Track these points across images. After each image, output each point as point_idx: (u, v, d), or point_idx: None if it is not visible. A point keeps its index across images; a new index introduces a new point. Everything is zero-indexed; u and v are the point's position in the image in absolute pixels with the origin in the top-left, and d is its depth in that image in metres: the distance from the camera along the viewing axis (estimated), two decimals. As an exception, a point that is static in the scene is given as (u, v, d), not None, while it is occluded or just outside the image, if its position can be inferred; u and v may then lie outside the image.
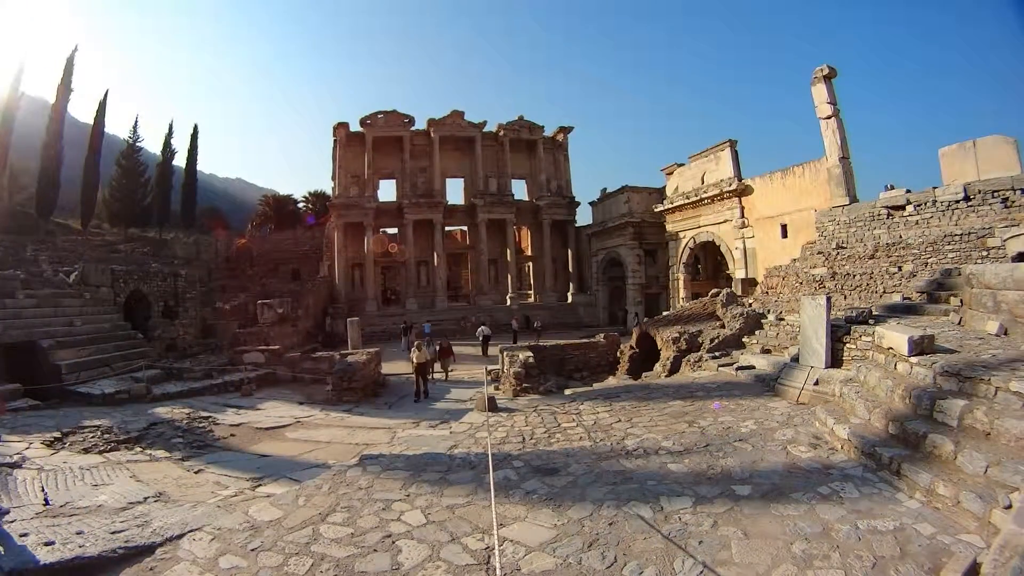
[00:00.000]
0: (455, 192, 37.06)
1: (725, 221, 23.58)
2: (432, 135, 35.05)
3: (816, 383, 7.37)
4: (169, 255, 31.69)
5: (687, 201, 25.64)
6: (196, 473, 6.37)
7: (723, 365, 10.46)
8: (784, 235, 20.40)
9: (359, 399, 11.87)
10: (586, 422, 6.90)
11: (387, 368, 15.97)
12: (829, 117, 17.65)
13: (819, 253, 15.46)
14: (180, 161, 40.09)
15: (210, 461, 7.01)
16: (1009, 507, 3.20)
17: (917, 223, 13.59)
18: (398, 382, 15.39)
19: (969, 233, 11.59)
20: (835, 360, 7.76)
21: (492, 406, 7.83)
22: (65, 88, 31.73)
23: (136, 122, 38.54)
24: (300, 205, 53.05)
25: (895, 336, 5.71)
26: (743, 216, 22.57)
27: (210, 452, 7.54)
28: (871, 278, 12.82)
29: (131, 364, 13.46)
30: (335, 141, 34.90)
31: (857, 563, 3.15)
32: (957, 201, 12.70)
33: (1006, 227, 10.72)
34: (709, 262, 28.25)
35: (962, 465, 3.81)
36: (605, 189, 34.34)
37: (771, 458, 5.05)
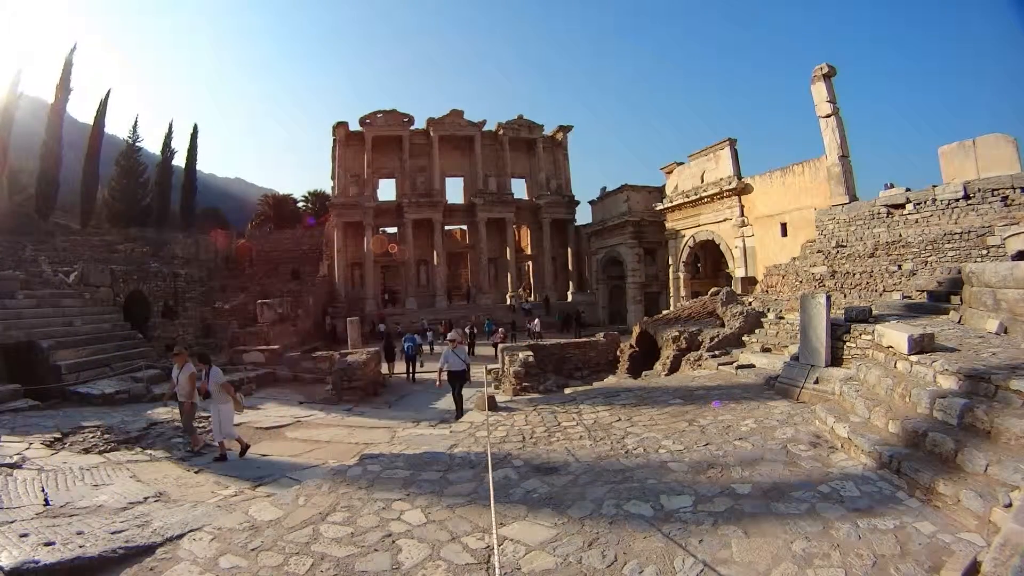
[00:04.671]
0: (454, 191, 37.15)
1: (725, 220, 23.58)
2: (431, 134, 35.04)
3: (816, 382, 7.37)
4: (169, 255, 31.61)
5: (687, 200, 25.64)
6: (196, 473, 6.36)
7: (723, 364, 10.47)
8: (784, 234, 20.41)
9: (359, 398, 11.88)
10: (586, 421, 6.89)
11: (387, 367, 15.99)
12: (829, 116, 17.66)
13: (819, 252, 15.47)
14: (180, 161, 40.01)
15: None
16: (1009, 505, 3.20)
17: (917, 222, 13.59)
18: (398, 382, 15.43)
19: (969, 231, 11.60)
20: (835, 358, 7.75)
21: (492, 405, 7.82)
22: (64, 88, 31.62)
23: (136, 122, 38.45)
24: (300, 205, 53.12)
25: (895, 334, 5.70)
26: (743, 215, 22.57)
27: (210, 452, 7.53)
28: (871, 276, 12.83)
29: (131, 364, 13.43)
30: (334, 140, 34.91)
31: (857, 562, 3.15)
32: (957, 200, 12.70)
33: (1006, 225, 10.74)
34: (709, 261, 28.25)
35: (962, 463, 3.80)
36: (605, 188, 34.38)
37: (771, 456, 5.05)
